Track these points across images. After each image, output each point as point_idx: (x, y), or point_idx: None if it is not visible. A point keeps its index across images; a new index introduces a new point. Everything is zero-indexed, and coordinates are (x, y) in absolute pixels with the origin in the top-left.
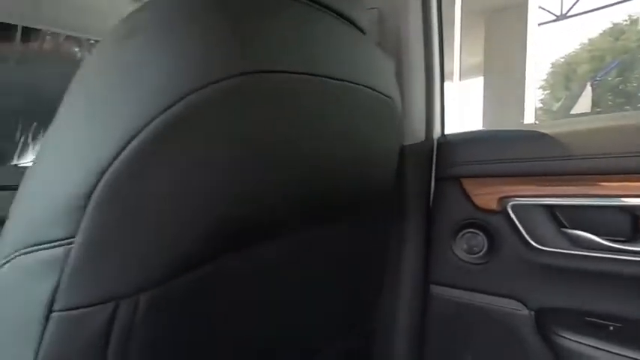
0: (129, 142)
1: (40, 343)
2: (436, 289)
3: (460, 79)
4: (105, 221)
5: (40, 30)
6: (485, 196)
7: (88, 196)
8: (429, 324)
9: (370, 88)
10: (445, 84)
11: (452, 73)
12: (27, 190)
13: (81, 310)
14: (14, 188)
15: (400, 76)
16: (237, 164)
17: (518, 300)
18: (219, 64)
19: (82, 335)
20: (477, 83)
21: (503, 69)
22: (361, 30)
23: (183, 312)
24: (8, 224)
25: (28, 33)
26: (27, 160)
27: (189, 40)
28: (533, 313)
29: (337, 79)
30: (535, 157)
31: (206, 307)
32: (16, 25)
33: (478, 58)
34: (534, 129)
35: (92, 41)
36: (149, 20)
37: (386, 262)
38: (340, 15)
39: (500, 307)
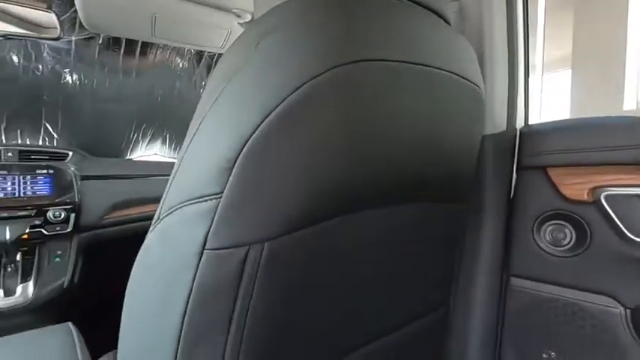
0: (265, 119)
1: (195, 273)
2: (516, 282)
3: (543, 73)
4: (244, 181)
5: (151, 44)
6: (575, 186)
7: (234, 160)
8: (507, 317)
9: (458, 75)
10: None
11: (534, 66)
12: (187, 160)
13: (223, 250)
14: (129, 177)
15: (482, 65)
16: (347, 140)
17: (611, 296)
18: (335, 54)
19: (223, 270)
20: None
21: (597, 55)
22: (446, 21)
23: (294, 263)
24: (171, 186)
25: (145, 47)
26: (137, 154)
27: (313, 34)
28: (628, 311)
29: (428, 66)
30: (631, 145)
31: (311, 263)
32: (137, 41)
33: (563, 51)
34: (629, 116)
35: (193, 51)
36: (284, 20)
37: (463, 250)
38: (427, 7)
39: (590, 303)
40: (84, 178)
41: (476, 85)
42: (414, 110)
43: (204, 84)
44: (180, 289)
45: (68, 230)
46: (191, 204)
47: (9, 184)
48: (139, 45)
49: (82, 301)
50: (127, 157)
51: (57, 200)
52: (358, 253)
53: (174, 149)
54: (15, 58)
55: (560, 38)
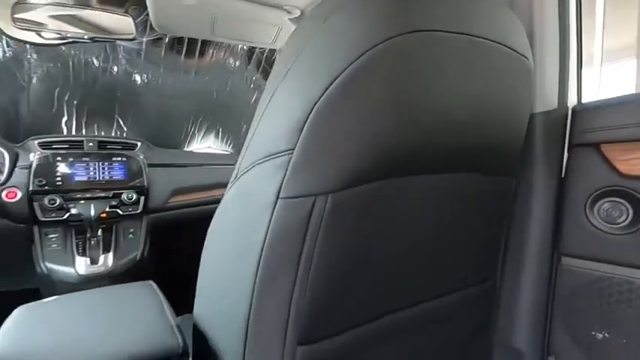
0: (330, 84)
1: (270, 219)
2: (568, 261)
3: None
4: (313, 139)
5: (209, 45)
6: (632, 161)
7: (304, 121)
8: (557, 296)
9: (507, 47)
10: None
11: (592, 55)
12: (260, 127)
13: (294, 199)
14: (189, 166)
15: (532, 43)
16: (401, 106)
17: None
18: (392, 25)
19: (294, 216)
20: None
21: None
22: None
23: (352, 214)
24: (246, 150)
25: (203, 47)
26: (193, 147)
27: (373, 9)
28: None
29: (478, 37)
30: None
31: (367, 217)
32: (197, 42)
33: (627, 39)
34: None
35: (245, 50)
36: (344, 1)
37: (510, 227)
38: None
39: None
40: (150, 165)
41: (525, 57)
42: (464, 80)
43: (255, 79)
44: (257, 234)
45: (138, 211)
46: (266, 161)
47: (91, 169)
48: (199, 45)
49: (152, 273)
50: (185, 149)
51: (130, 184)
52: (409, 216)
53: (226, 142)
54: (96, 61)
55: (622, 25)
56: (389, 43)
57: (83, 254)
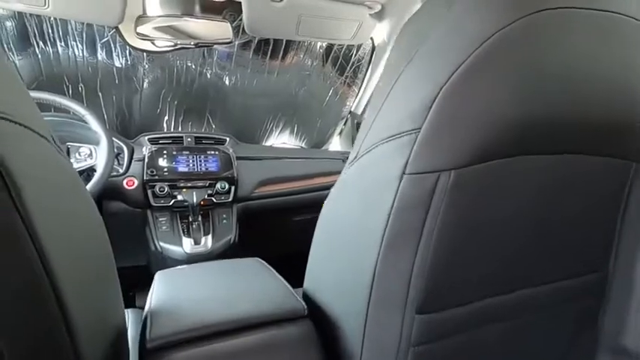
0: (458, 67)
1: (396, 192)
2: None
3: None
4: (439, 118)
5: (291, 46)
6: None
7: (432, 101)
8: None
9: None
10: None
11: None
12: (384, 109)
13: (419, 174)
14: (268, 159)
15: None
16: (529, 86)
17: None
18: (521, 5)
19: (419, 190)
20: None
21: None
22: None
23: (474, 190)
24: (368, 132)
25: (287, 47)
26: (270, 142)
27: None
28: None
29: (612, 12)
30: None
31: (487, 194)
32: (281, 44)
33: None
34: None
35: (323, 49)
36: None
37: (626, 218)
38: None
39: None
40: (239, 158)
41: None
42: (595, 57)
43: (331, 76)
44: (383, 206)
45: (229, 200)
46: (390, 140)
47: (190, 162)
48: (282, 46)
49: (244, 253)
50: (263, 144)
51: (222, 175)
52: (524, 196)
53: (300, 138)
54: (194, 65)
55: None
56: (519, 23)
57: (188, 236)
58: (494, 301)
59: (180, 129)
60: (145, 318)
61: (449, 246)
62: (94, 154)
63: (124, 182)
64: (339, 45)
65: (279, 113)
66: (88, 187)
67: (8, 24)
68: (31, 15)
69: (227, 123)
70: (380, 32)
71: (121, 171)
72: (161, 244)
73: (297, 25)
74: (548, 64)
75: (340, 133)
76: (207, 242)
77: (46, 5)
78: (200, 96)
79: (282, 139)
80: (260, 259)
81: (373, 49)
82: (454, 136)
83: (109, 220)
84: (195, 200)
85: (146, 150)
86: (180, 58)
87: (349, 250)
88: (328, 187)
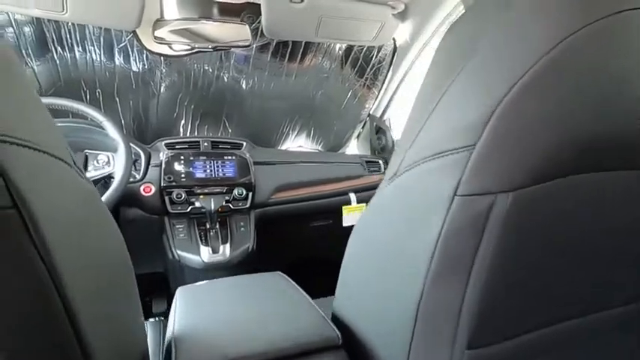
0: (519, 79)
1: (445, 217)
2: None
3: None
4: (496, 135)
5: (310, 48)
6: None
7: (488, 116)
8: None
9: None
10: None
11: None
12: (430, 123)
13: (473, 196)
14: (275, 164)
15: None
16: (600, 97)
17: None
18: (594, 7)
19: (472, 213)
20: None
21: None
22: None
23: (534, 213)
24: (410, 147)
25: (306, 50)
26: (286, 145)
27: None
28: None
29: None
30: None
31: (550, 216)
32: (300, 46)
33: None
34: None
35: (342, 51)
36: None
37: None
38: None
39: None
40: (256, 163)
41: None
42: None
43: (350, 78)
44: (429, 232)
45: (247, 206)
46: (438, 157)
47: (207, 167)
48: (301, 49)
49: (262, 262)
50: (279, 148)
51: (240, 181)
52: (591, 216)
53: (317, 141)
54: (211, 69)
55: None
56: (591, 27)
57: (206, 244)
58: (551, 330)
59: (196, 133)
60: (169, 345)
61: (504, 274)
62: (112, 162)
63: (141, 189)
64: (359, 46)
65: (295, 116)
66: (106, 195)
67: (27, 30)
68: (49, 20)
69: (243, 127)
70: (402, 33)
71: (138, 177)
72: (179, 252)
73: (317, 27)
74: (624, 72)
75: (358, 137)
76: (226, 251)
77: (64, 11)
78: (217, 100)
79: (298, 143)
80: (281, 273)
81: (395, 50)
82: (513, 154)
83: (126, 227)
84: (212, 207)
85: (163, 155)
86: (198, 62)
87: (389, 276)
88: (346, 192)
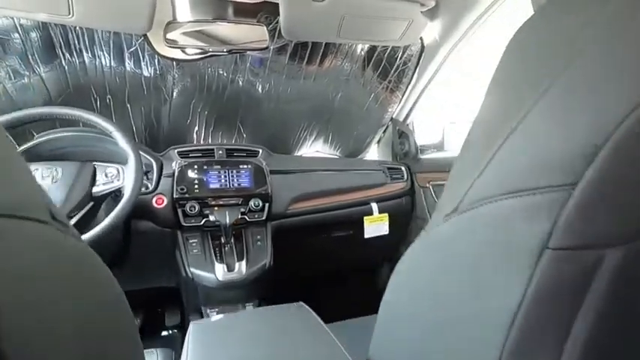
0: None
1: (531, 275)
2: None
3: None
4: (608, 172)
5: (330, 49)
6: None
7: (598, 147)
8: None
9: None
10: None
11: None
12: (508, 148)
13: (572, 251)
14: (292, 172)
15: None
16: None
17: None
18: None
19: (571, 273)
20: None
21: None
22: None
23: None
24: (479, 177)
25: (326, 50)
26: (302, 151)
27: None
28: None
29: None
30: None
31: None
32: (320, 47)
33: None
34: None
35: (364, 52)
36: None
37: None
38: None
39: None
40: (272, 172)
41: None
42: None
43: (372, 80)
44: (510, 288)
45: (263, 218)
46: (521, 195)
47: (222, 177)
48: (321, 50)
49: (279, 280)
50: (294, 154)
51: (256, 191)
52: None
53: (335, 146)
54: (226, 72)
55: None
56: None
57: (221, 261)
58: None
59: (210, 139)
60: None
61: (608, 346)
62: (122, 175)
63: (153, 200)
64: (383, 47)
65: (313, 121)
66: (114, 212)
67: (33, 35)
68: (56, 25)
69: (259, 132)
70: (430, 32)
71: (150, 188)
72: (192, 270)
73: (339, 27)
74: None
75: (379, 142)
76: (241, 268)
77: (71, 14)
78: (231, 104)
79: (315, 148)
80: (303, 304)
81: (422, 50)
82: (627, 197)
83: (137, 240)
84: (227, 221)
85: (176, 165)
86: (211, 66)
87: (450, 340)
88: (367, 202)
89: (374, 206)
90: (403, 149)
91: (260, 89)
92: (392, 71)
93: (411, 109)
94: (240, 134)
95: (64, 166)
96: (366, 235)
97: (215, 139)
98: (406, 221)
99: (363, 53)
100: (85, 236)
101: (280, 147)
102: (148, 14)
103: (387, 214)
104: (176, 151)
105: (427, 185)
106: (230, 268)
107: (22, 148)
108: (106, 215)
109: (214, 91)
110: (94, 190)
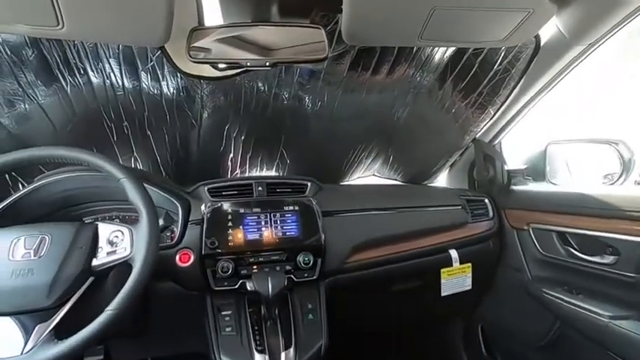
0: None
1: None
2: None
3: None
4: None
5: (404, 55)
6: None
7: None
8: None
9: None
10: None
11: None
12: None
13: None
14: (349, 213)
15: None
16: None
17: None
18: None
19: None
20: None
21: None
22: None
23: None
24: None
25: (399, 57)
26: (356, 175)
27: None
28: None
29: None
30: None
31: None
32: (390, 53)
33: None
34: None
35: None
36: None
37: None
38: None
39: None
40: (324, 214)
41: None
42: None
43: (455, 92)
44: None
45: (314, 277)
46: None
47: (262, 224)
48: (392, 57)
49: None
50: (347, 179)
51: (305, 243)
52: None
53: (395, 170)
54: (268, 87)
55: None
56: None
57: (261, 350)
58: None
59: (247, 167)
60: None
61: None
62: (130, 240)
63: (177, 257)
64: (476, 50)
65: (372, 142)
66: (119, 297)
67: (23, 54)
68: (48, 40)
69: (305, 157)
70: (549, 27)
71: (174, 240)
72: (223, 359)
73: (423, 26)
74: None
75: (452, 166)
76: (289, 356)
77: (60, 25)
78: (273, 125)
79: (370, 171)
80: None
81: (535, 51)
82: None
83: (157, 303)
84: (270, 291)
85: (205, 208)
86: (249, 80)
87: None
88: (445, 249)
89: (453, 254)
90: (487, 176)
91: (309, 106)
92: (485, 81)
93: (502, 128)
94: (283, 159)
95: (54, 232)
96: (444, 293)
97: (253, 164)
98: (491, 270)
99: (445, 59)
100: (76, 337)
101: (330, 173)
102: (163, 21)
103: (469, 265)
104: (206, 188)
105: (525, 228)
106: (273, 357)
107: (4, 203)
108: (115, 284)
109: (253, 111)
110: (95, 263)
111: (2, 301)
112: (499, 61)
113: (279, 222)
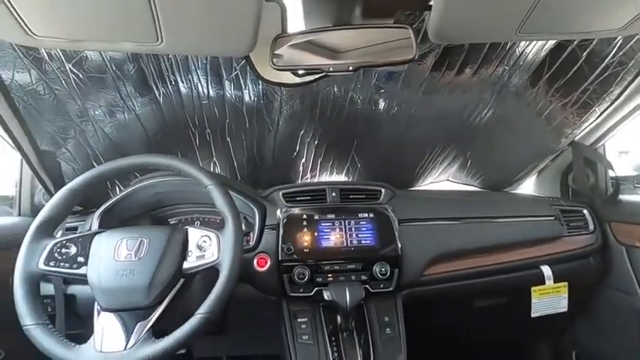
0: None
1: None
2: None
3: None
4: None
5: (494, 52)
6: None
7: None
8: None
9: None
10: None
11: None
12: None
13: None
14: (428, 221)
15: None
16: None
17: None
18: None
19: None
20: None
21: None
22: None
23: None
24: None
25: (489, 55)
26: (429, 180)
27: None
28: None
29: None
30: None
31: None
32: (479, 51)
33: None
34: None
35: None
36: None
37: None
38: None
39: None
40: (401, 222)
41: None
42: None
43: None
44: None
45: (391, 289)
46: None
47: (337, 231)
48: (482, 54)
49: None
50: (420, 185)
51: (382, 252)
52: None
53: (473, 175)
54: (344, 91)
55: None
56: None
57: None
58: None
59: (317, 170)
60: None
61: None
62: (218, 246)
63: (255, 261)
64: (583, 42)
65: (451, 144)
66: (210, 301)
67: (125, 69)
68: (147, 55)
69: (377, 160)
70: None
71: (252, 243)
72: None
73: (524, 18)
74: None
75: (540, 172)
76: None
77: (159, 40)
78: (346, 130)
79: (445, 176)
80: None
81: None
82: None
83: (235, 306)
84: (348, 302)
85: (281, 213)
86: (325, 85)
87: None
88: (535, 265)
89: (546, 271)
90: (587, 183)
91: (384, 109)
92: (592, 77)
93: (609, 129)
94: (354, 164)
95: (151, 235)
96: (535, 314)
97: (323, 170)
98: (590, 291)
99: (543, 53)
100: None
101: (402, 177)
102: (250, 31)
103: (565, 284)
104: (281, 193)
105: (637, 245)
106: None
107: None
108: (200, 287)
109: (328, 117)
110: (185, 266)
111: (110, 297)
112: (612, 53)
113: (353, 229)
